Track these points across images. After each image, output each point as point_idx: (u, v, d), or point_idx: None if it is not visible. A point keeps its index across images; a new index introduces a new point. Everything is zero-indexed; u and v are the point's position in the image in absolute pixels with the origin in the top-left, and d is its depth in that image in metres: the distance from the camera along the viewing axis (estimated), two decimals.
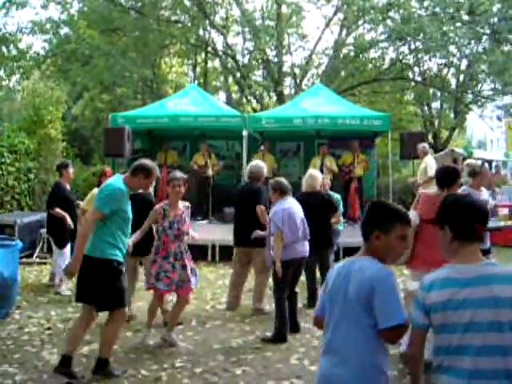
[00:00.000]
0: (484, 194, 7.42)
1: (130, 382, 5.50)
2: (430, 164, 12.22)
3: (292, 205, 7.14)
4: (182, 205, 6.80)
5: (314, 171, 9.29)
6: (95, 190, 9.03)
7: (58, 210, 9.02)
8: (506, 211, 6.84)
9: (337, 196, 9.58)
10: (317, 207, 8.29)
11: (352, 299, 3.06)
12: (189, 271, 6.62)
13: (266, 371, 5.79)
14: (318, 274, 8.74)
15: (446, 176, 6.09)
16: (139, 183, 5.80)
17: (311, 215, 8.02)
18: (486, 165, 8.24)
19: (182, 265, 6.59)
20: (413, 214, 6.11)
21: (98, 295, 5.49)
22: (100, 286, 5.45)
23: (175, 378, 5.63)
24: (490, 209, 7.18)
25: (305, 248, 7.19)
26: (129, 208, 5.71)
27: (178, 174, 6.86)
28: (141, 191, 7.41)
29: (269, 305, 8.09)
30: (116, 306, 5.59)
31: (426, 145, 13.07)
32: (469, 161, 8.33)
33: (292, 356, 6.23)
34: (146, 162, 5.88)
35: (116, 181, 5.71)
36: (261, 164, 8.58)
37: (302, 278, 8.58)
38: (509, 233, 9.77)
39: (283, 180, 7.32)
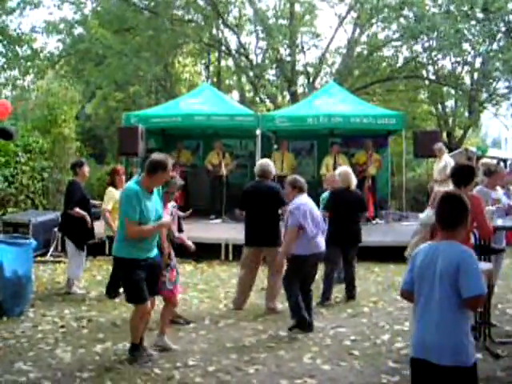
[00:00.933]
0: (499, 194, 7.37)
1: (142, 381, 5.49)
2: (448, 163, 12.19)
3: (308, 201, 7.26)
4: (170, 205, 6.79)
5: (345, 168, 9.35)
6: (110, 189, 9.07)
7: (77, 209, 8.97)
8: None
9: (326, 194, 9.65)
10: (352, 203, 8.68)
11: (441, 275, 3.70)
12: (176, 271, 6.66)
13: (279, 370, 5.77)
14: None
15: (463, 174, 6.07)
16: (160, 179, 5.88)
17: (346, 210, 8.49)
18: (502, 164, 8.18)
19: (174, 264, 6.61)
20: (429, 213, 6.10)
21: (124, 290, 6.21)
22: (124, 283, 6.11)
23: (188, 376, 5.62)
24: (504, 208, 7.15)
25: (322, 243, 7.28)
26: (147, 208, 5.75)
27: (179, 181, 6.83)
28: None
29: (281, 303, 8.09)
30: (132, 302, 5.97)
31: (441, 144, 13.08)
32: (484, 160, 8.31)
33: (305, 355, 6.20)
34: (156, 156, 5.94)
35: (130, 183, 5.89)
36: (269, 162, 8.61)
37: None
38: None
39: (301, 178, 7.40)
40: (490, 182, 7.06)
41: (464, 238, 4.17)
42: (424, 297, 3.78)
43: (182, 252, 7.78)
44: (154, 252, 6.03)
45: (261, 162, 8.71)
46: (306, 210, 7.03)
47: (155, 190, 5.96)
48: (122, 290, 8.95)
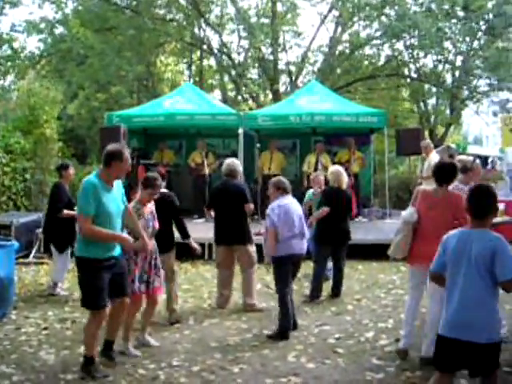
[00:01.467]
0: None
1: (127, 382, 5.48)
2: (434, 161, 12.23)
3: (290, 202, 7.21)
4: (150, 204, 6.74)
5: (338, 167, 9.39)
6: None
7: (66, 211, 8.90)
8: (501, 206, 6.79)
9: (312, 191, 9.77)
10: (344, 202, 8.79)
11: (476, 260, 4.07)
12: (160, 271, 6.67)
13: (264, 369, 5.78)
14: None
15: (445, 172, 6.10)
16: (118, 170, 5.62)
17: (338, 209, 8.59)
18: (478, 161, 8.21)
19: (155, 264, 6.58)
20: (411, 211, 6.14)
21: (81, 293, 5.69)
22: (80, 284, 5.66)
23: (172, 376, 5.62)
24: None
25: (302, 246, 7.22)
26: (109, 202, 5.54)
27: (154, 175, 6.78)
28: (163, 191, 7.45)
29: (265, 302, 8.10)
30: (88, 308, 5.65)
31: (428, 141, 13.09)
32: (461, 157, 8.31)
33: (289, 354, 6.22)
34: (111, 146, 5.72)
35: (90, 176, 5.63)
36: (236, 161, 8.70)
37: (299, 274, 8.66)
38: (504, 229, 9.72)
39: (285, 180, 7.40)
40: (466, 179, 7.08)
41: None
42: (459, 279, 4.16)
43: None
44: (118, 251, 5.76)
45: (227, 161, 8.68)
46: (280, 212, 6.98)
47: (117, 183, 5.75)
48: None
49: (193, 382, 5.49)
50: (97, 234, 5.47)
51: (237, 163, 8.56)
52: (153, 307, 6.77)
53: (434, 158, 12.50)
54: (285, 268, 7.06)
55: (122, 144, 5.91)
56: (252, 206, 8.37)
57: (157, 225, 6.66)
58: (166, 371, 5.75)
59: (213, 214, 8.60)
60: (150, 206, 6.69)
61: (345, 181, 8.93)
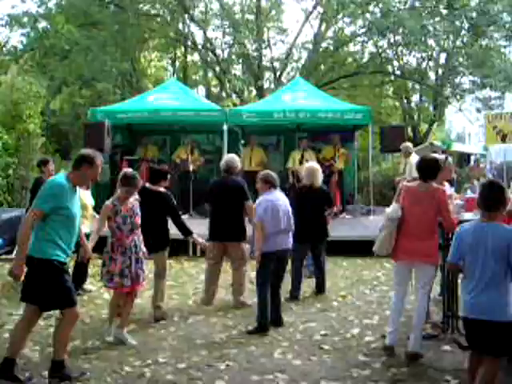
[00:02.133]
0: (447, 189, 7.44)
1: (113, 379, 5.45)
2: (414, 164, 12.22)
3: (278, 197, 7.16)
4: (133, 198, 6.68)
5: (313, 164, 9.34)
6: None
7: None
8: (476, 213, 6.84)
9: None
10: (316, 200, 8.65)
11: (493, 251, 4.53)
12: (143, 265, 6.62)
13: (250, 366, 5.78)
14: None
15: (429, 168, 6.13)
16: (86, 175, 5.56)
17: (310, 208, 8.43)
18: (450, 159, 8.23)
19: (136, 258, 6.53)
20: (395, 207, 6.15)
21: (42, 296, 5.36)
22: (44, 287, 5.33)
23: (159, 373, 5.59)
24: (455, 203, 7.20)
25: (287, 241, 7.19)
26: (73, 205, 5.46)
27: (132, 173, 6.74)
28: (157, 188, 7.41)
29: (250, 299, 8.09)
30: (64, 306, 5.45)
31: (409, 144, 13.03)
32: (433, 155, 8.31)
33: (275, 350, 6.22)
34: (84, 151, 5.70)
35: (58, 177, 5.54)
36: (235, 157, 8.62)
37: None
38: None
39: (273, 174, 7.31)
40: (439, 177, 7.11)
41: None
42: (477, 268, 4.59)
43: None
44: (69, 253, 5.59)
45: (226, 157, 8.70)
46: (267, 206, 6.94)
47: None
48: (88, 286, 8.95)
49: (179, 379, 5.46)
50: (26, 233, 5.24)
51: (236, 159, 8.47)
52: (131, 303, 6.74)
53: (413, 161, 12.45)
54: (267, 264, 7.01)
55: (95, 151, 5.77)
56: (252, 204, 8.13)
57: (138, 221, 6.61)
58: (152, 368, 5.72)
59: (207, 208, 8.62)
60: (132, 202, 6.62)
61: (318, 178, 8.72)
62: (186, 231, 7.68)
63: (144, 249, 6.72)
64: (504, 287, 4.57)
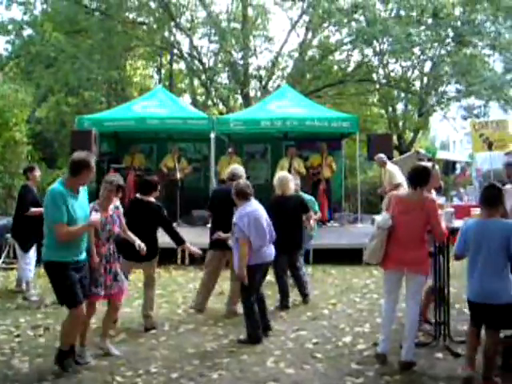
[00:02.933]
0: (434, 196, 7.46)
1: None
2: (391, 172, 12.25)
3: (256, 207, 6.99)
4: (112, 205, 6.57)
5: (283, 173, 9.32)
6: None
7: (32, 209, 8.84)
8: (478, 211, 6.82)
9: (310, 198, 9.63)
10: (289, 209, 8.45)
11: (494, 243, 5.27)
12: (118, 276, 6.50)
13: (243, 375, 5.74)
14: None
15: (419, 176, 6.14)
16: (85, 178, 5.73)
17: (284, 217, 8.10)
18: (437, 166, 8.26)
19: (110, 268, 6.42)
20: (385, 216, 6.15)
21: (56, 294, 5.82)
22: (54, 287, 5.77)
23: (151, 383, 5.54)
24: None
25: (272, 251, 7.12)
26: (75, 209, 5.65)
27: (114, 177, 6.62)
28: (149, 199, 7.40)
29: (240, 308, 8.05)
30: (66, 305, 5.73)
31: (381, 155, 12.95)
32: (420, 163, 8.31)
33: (268, 359, 6.19)
34: (78, 155, 5.77)
35: (55, 185, 5.70)
36: (240, 167, 8.57)
37: (273, 278, 8.64)
38: None
39: (243, 183, 7.13)
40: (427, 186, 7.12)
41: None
42: (480, 259, 5.33)
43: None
44: (84, 255, 5.90)
45: (233, 166, 8.67)
46: (249, 221, 6.74)
47: (83, 188, 5.87)
48: None
49: None
50: (72, 233, 5.63)
51: (240, 168, 8.42)
52: (114, 313, 6.67)
53: (390, 169, 12.47)
54: (253, 276, 6.91)
55: (87, 152, 5.86)
56: None
57: (116, 229, 6.53)
58: (143, 378, 5.67)
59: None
60: (112, 209, 6.51)
61: (290, 187, 8.59)
62: (179, 240, 7.66)
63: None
64: (505, 274, 5.29)
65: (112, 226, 6.48)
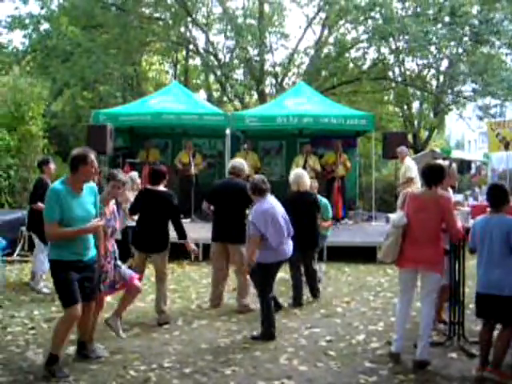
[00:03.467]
0: (450, 194, 7.43)
1: (118, 383, 5.41)
2: (408, 166, 12.32)
3: (272, 203, 6.95)
4: (113, 201, 6.64)
5: (300, 170, 9.29)
6: None
7: (40, 204, 8.86)
8: None
9: (325, 201, 9.52)
10: (305, 206, 8.46)
11: (497, 237, 5.53)
12: (122, 271, 6.55)
13: (256, 371, 5.73)
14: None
15: (433, 174, 6.10)
16: (84, 173, 5.59)
17: (299, 214, 8.08)
18: (454, 165, 8.24)
19: (115, 264, 6.49)
20: (400, 214, 6.12)
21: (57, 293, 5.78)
22: (54, 285, 5.78)
23: (164, 378, 5.55)
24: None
25: (290, 247, 7.11)
26: (74, 208, 5.55)
27: (120, 175, 6.67)
28: (160, 189, 7.39)
29: (254, 303, 8.03)
30: (63, 304, 5.65)
31: (404, 147, 13.02)
32: (437, 161, 8.28)
33: (281, 356, 6.17)
34: (75, 151, 5.69)
35: (56, 183, 5.64)
36: (242, 160, 8.66)
37: (286, 275, 8.64)
38: None
39: (259, 179, 7.10)
40: (444, 183, 7.09)
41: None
42: (485, 252, 5.61)
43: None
44: (89, 255, 5.76)
45: (234, 160, 8.71)
46: (266, 218, 6.71)
47: (90, 188, 5.76)
48: None
49: (185, 383, 5.42)
50: (62, 235, 5.54)
51: (242, 162, 8.50)
52: (134, 295, 6.77)
53: (407, 163, 12.50)
54: (271, 274, 6.97)
55: (85, 148, 5.82)
56: None
57: (118, 225, 6.57)
58: (157, 373, 5.67)
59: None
60: (113, 205, 6.59)
61: (306, 183, 8.60)
62: (182, 234, 7.67)
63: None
64: (507, 267, 5.48)
65: (115, 222, 6.51)
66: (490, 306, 5.55)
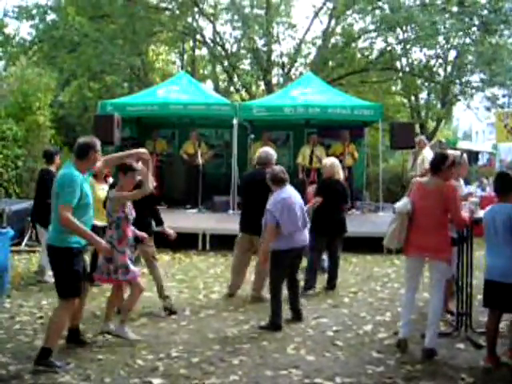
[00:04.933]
0: (462, 185, 7.40)
1: (126, 372, 5.43)
2: (426, 157, 12.29)
3: (290, 193, 7.06)
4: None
5: (336, 160, 9.30)
6: (89, 179, 8.88)
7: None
8: None
9: None
10: (338, 194, 8.69)
11: (500, 226, 5.61)
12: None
13: (264, 361, 5.75)
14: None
15: (436, 161, 6.12)
16: (94, 160, 5.76)
17: (332, 200, 8.49)
18: (465, 155, 8.23)
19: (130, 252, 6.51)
20: (405, 201, 6.14)
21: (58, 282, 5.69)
22: (57, 274, 5.69)
23: (172, 367, 5.56)
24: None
25: (304, 237, 7.14)
26: (88, 192, 5.70)
27: (135, 164, 6.60)
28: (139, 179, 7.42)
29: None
30: (66, 296, 5.62)
31: (423, 137, 13.09)
32: (449, 151, 8.26)
33: (289, 346, 6.19)
34: (84, 139, 5.80)
35: (68, 169, 5.63)
36: (270, 150, 8.46)
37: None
38: None
39: (279, 169, 7.19)
40: (455, 173, 7.07)
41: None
42: (491, 239, 5.71)
43: (160, 242, 7.80)
44: (84, 242, 5.80)
45: (261, 150, 8.68)
46: (283, 207, 6.82)
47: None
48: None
49: (193, 373, 5.43)
50: (72, 225, 5.46)
51: (271, 153, 8.33)
52: (138, 295, 6.72)
53: (427, 153, 12.50)
54: (283, 261, 6.98)
55: (92, 136, 5.91)
56: None
57: (134, 212, 6.58)
58: (165, 362, 5.69)
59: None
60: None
61: (340, 172, 8.88)
62: (159, 221, 7.64)
63: None
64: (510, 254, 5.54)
65: (132, 211, 6.56)
66: (495, 293, 5.61)
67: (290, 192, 7.08)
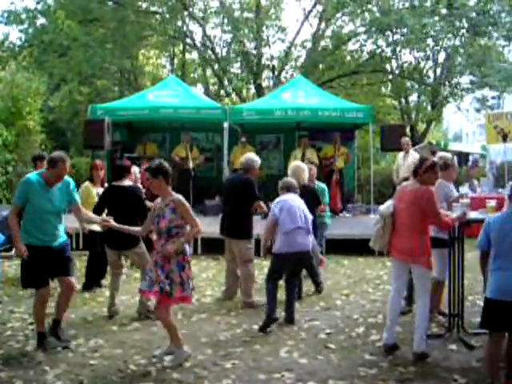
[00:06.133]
0: (452, 186, 7.41)
1: (118, 378, 5.41)
2: (414, 159, 12.34)
3: (292, 198, 7.26)
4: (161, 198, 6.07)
5: (297, 162, 9.24)
6: (86, 184, 8.88)
7: None
8: (493, 203, 6.77)
9: (322, 186, 9.61)
10: (304, 200, 8.38)
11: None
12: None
13: (256, 364, 5.74)
14: None
15: (416, 166, 6.13)
16: (61, 171, 6.06)
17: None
18: (455, 157, 8.26)
19: (162, 265, 5.89)
20: (388, 204, 6.18)
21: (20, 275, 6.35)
22: (21, 267, 6.30)
23: (164, 372, 5.55)
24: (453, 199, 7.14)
25: (305, 241, 7.13)
26: (44, 200, 6.02)
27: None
28: (128, 184, 7.42)
29: (258, 296, 8.03)
30: (28, 286, 6.40)
31: (407, 139, 13.19)
32: (441, 153, 8.29)
33: (281, 349, 6.18)
34: (57, 153, 6.23)
35: (30, 175, 6.14)
36: (253, 157, 8.44)
37: None
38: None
39: (290, 180, 7.56)
40: (447, 175, 7.10)
41: None
42: (502, 252, 4.95)
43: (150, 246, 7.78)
44: (58, 241, 6.20)
45: (245, 155, 8.66)
46: (282, 205, 7.08)
47: (65, 183, 6.20)
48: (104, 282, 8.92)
49: (185, 377, 5.42)
50: (11, 223, 6.07)
51: (253, 159, 8.31)
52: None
53: (415, 155, 12.53)
54: (282, 263, 7.07)
55: (64, 153, 6.30)
56: (261, 203, 8.29)
57: (164, 223, 5.94)
58: (157, 367, 5.68)
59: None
60: (158, 203, 6.02)
61: (304, 175, 8.48)
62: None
63: None
64: None
65: (160, 220, 5.87)
66: (503, 314, 4.92)
67: (292, 196, 7.29)
